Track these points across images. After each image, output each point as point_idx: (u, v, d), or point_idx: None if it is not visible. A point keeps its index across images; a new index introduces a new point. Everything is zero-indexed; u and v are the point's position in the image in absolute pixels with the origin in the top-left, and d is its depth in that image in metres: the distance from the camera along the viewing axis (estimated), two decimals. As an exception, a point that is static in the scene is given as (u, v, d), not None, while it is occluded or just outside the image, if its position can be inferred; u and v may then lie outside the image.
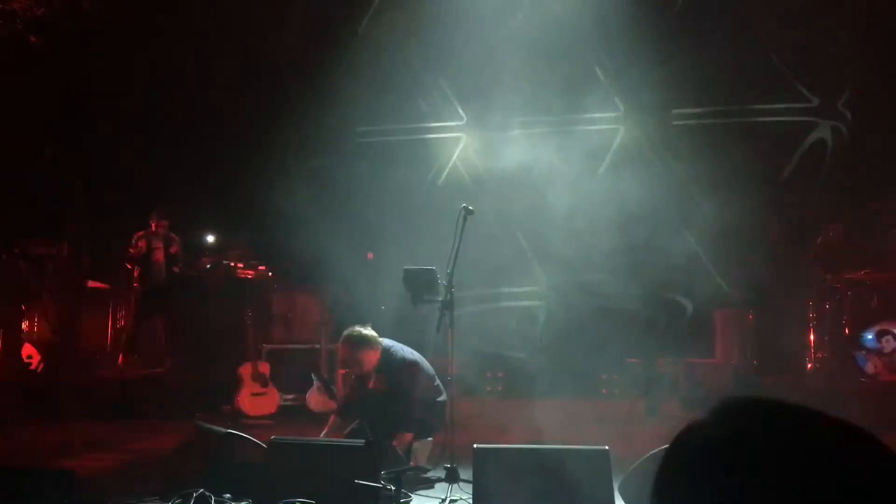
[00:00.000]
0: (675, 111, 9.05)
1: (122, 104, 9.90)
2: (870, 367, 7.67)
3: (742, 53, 8.81)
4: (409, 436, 5.39)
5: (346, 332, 5.57)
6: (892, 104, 8.92)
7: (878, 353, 7.61)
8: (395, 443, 5.20)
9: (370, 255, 8.70)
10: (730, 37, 8.83)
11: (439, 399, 5.58)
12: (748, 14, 8.83)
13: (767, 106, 8.91)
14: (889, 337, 7.60)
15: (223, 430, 4.97)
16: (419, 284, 5.59)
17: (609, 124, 9.26)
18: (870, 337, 7.68)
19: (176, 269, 9.00)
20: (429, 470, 5.31)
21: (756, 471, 0.81)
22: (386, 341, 5.61)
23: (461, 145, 9.70)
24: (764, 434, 0.84)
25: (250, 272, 9.28)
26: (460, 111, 9.61)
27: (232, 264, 9.26)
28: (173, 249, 9.02)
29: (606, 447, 4.42)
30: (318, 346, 8.36)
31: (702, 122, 9.05)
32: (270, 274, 9.36)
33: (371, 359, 5.47)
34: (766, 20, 8.83)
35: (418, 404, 5.45)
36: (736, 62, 8.86)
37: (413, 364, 5.56)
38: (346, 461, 4.38)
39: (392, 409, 5.37)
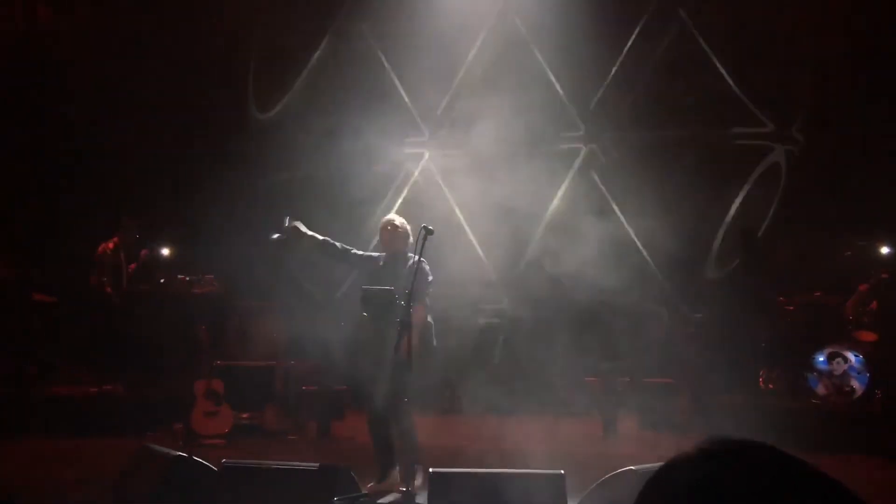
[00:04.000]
0: (635, 133, 9.17)
1: (75, 113, 9.70)
2: (821, 389, 7.80)
3: (701, 79, 8.98)
4: (412, 339, 5.09)
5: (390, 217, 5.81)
6: (842, 129, 9.16)
7: (830, 375, 7.75)
8: (400, 346, 4.94)
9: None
10: (689, 62, 9.00)
11: (434, 344, 5.69)
12: (706, 42, 9.02)
13: (725, 130, 9.09)
14: (840, 359, 7.75)
15: (173, 452, 4.84)
16: (378, 304, 5.54)
17: (570, 143, 9.33)
18: (821, 359, 7.82)
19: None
20: (394, 494, 5.24)
21: None
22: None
23: (423, 161, 9.69)
24: (751, 483, 0.82)
25: (206, 287, 9.11)
26: (422, 127, 9.60)
27: (187, 279, 9.09)
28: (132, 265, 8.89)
29: (562, 471, 4.42)
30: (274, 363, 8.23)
31: (661, 144, 9.18)
32: (226, 290, 9.20)
33: (405, 241, 5.66)
34: (724, 48, 9.02)
35: (423, 314, 5.45)
36: (696, 87, 9.02)
37: (430, 282, 5.62)
38: (300, 486, 4.30)
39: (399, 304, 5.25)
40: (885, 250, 8.85)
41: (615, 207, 9.13)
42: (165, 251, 9.65)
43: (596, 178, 9.21)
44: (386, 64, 9.49)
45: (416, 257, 5.28)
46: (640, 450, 6.83)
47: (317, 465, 4.56)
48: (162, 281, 9.19)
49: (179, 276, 9.19)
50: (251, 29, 9.82)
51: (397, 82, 9.46)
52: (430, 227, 5.42)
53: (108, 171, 9.93)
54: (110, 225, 9.03)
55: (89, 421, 7.78)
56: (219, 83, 9.71)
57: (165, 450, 4.94)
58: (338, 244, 5.74)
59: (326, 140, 9.31)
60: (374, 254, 5.94)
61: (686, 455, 0.88)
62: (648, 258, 9.13)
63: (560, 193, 9.16)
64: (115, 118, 9.74)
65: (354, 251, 5.80)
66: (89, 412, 8.00)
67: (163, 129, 9.83)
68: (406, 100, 9.47)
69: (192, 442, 7.21)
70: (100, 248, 8.79)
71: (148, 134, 9.80)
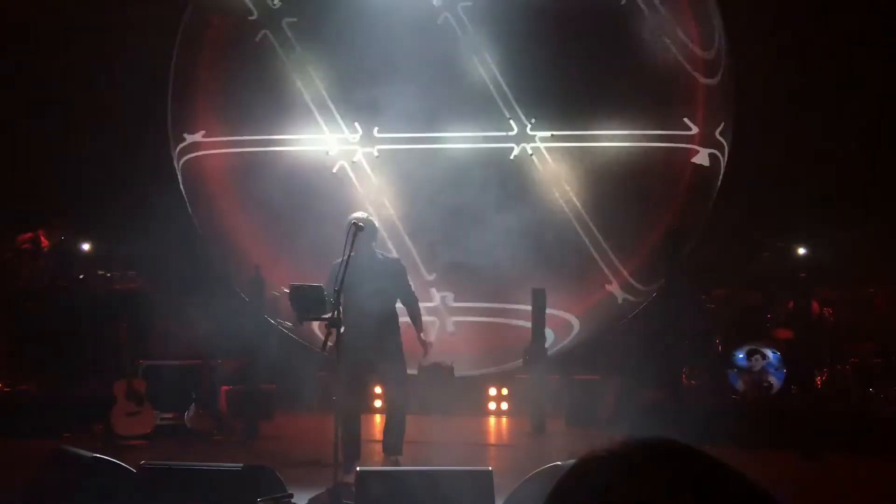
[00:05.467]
0: (562, 133, 9.29)
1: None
2: (740, 385, 8.07)
3: (627, 79, 9.15)
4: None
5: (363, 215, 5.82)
6: (763, 129, 9.51)
7: (749, 371, 8.02)
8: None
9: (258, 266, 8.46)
10: (615, 63, 9.16)
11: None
12: (635, 40, 9.19)
13: (651, 132, 9.28)
14: (758, 356, 8.02)
15: (88, 453, 4.66)
16: (306, 301, 5.47)
17: (502, 143, 9.40)
18: (741, 356, 8.09)
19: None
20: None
21: None
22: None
23: (354, 159, 9.60)
24: (664, 482, 0.82)
25: (127, 284, 8.83)
26: (356, 125, 9.52)
27: (108, 275, 8.79)
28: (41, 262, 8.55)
29: (489, 468, 4.44)
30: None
31: (589, 144, 9.33)
32: (148, 286, 8.94)
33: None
34: (653, 48, 9.21)
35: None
36: (621, 88, 9.19)
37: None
38: (223, 487, 4.20)
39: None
40: (801, 251, 9.22)
41: (547, 206, 9.23)
42: (86, 246, 9.32)
43: (527, 177, 9.30)
44: (313, 60, 9.38)
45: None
46: (568, 446, 6.93)
47: (240, 465, 4.46)
48: (81, 277, 8.87)
49: (99, 272, 8.89)
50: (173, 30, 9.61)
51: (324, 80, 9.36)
52: (361, 224, 5.45)
53: (27, 163, 9.55)
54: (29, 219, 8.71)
55: (2, 422, 7.45)
56: (137, 77, 9.45)
57: (81, 451, 4.75)
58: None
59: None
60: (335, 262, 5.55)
61: (601, 453, 0.88)
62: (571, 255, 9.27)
63: (491, 191, 9.19)
64: (34, 111, 9.36)
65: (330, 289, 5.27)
66: (2, 413, 7.66)
67: (82, 123, 9.50)
68: (330, 97, 9.38)
69: (112, 443, 6.97)
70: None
71: (68, 127, 9.47)
